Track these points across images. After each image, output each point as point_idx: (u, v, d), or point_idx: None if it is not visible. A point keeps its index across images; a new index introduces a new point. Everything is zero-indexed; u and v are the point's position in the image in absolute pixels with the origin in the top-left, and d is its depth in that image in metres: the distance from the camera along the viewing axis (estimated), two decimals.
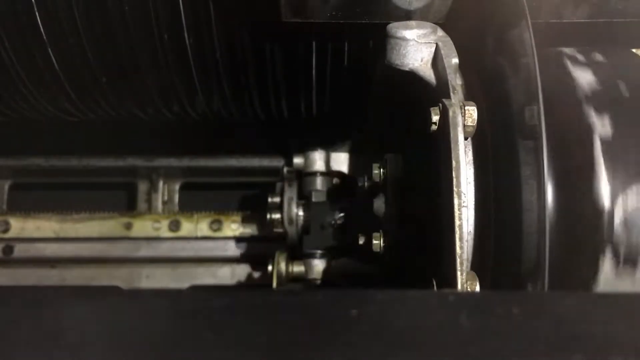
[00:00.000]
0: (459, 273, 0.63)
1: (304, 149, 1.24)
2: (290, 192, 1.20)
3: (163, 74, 0.96)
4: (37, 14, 0.85)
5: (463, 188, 0.64)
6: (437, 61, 0.73)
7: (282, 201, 1.20)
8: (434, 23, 0.75)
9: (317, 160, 1.22)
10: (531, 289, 0.64)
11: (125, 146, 1.35)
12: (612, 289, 0.68)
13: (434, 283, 0.70)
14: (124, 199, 1.47)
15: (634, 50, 0.86)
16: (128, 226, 1.39)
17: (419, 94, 0.77)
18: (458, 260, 0.63)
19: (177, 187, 1.44)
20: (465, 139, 0.68)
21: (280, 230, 1.21)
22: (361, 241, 0.97)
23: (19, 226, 1.38)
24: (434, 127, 0.69)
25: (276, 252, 1.19)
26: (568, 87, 0.74)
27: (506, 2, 0.72)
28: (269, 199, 1.22)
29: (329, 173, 1.23)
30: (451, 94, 0.68)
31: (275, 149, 1.32)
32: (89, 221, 1.39)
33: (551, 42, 0.79)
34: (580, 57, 0.79)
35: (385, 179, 0.92)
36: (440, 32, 0.74)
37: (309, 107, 1.10)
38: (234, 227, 1.39)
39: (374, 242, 0.91)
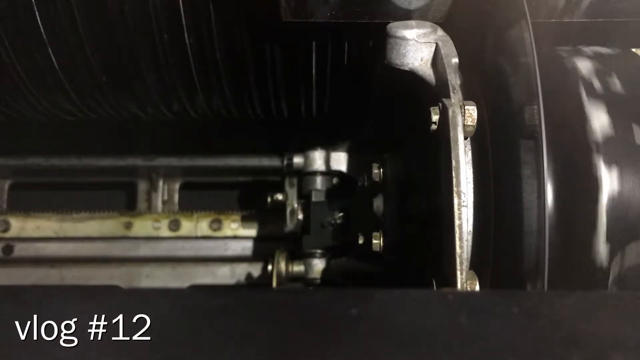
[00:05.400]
0: (458, 273, 0.63)
1: (304, 148, 1.24)
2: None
3: (163, 74, 0.95)
4: (37, 14, 0.85)
5: (463, 188, 0.64)
6: (437, 61, 0.72)
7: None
8: (433, 23, 0.75)
9: (317, 159, 1.22)
10: (531, 289, 0.64)
11: (125, 146, 1.35)
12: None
13: (434, 283, 0.70)
14: (124, 199, 1.46)
15: (634, 50, 0.86)
16: (128, 226, 1.39)
17: (418, 93, 0.76)
18: (458, 260, 0.63)
19: (177, 186, 1.44)
20: (465, 138, 0.68)
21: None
22: (361, 241, 0.97)
23: (18, 226, 1.39)
24: (434, 126, 0.69)
25: (276, 252, 1.19)
26: (568, 86, 0.74)
27: (506, 2, 0.72)
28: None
29: (329, 173, 1.23)
30: (451, 93, 0.68)
31: (275, 148, 1.32)
32: (88, 221, 1.39)
33: (551, 42, 0.79)
34: (580, 56, 0.79)
35: (385, 179, 0.92)
36: (440, 32, 0.74)
37: (309, 107, 1.10)
38: (233, 227, 1.39)
39: (374, 241, 0.91)
